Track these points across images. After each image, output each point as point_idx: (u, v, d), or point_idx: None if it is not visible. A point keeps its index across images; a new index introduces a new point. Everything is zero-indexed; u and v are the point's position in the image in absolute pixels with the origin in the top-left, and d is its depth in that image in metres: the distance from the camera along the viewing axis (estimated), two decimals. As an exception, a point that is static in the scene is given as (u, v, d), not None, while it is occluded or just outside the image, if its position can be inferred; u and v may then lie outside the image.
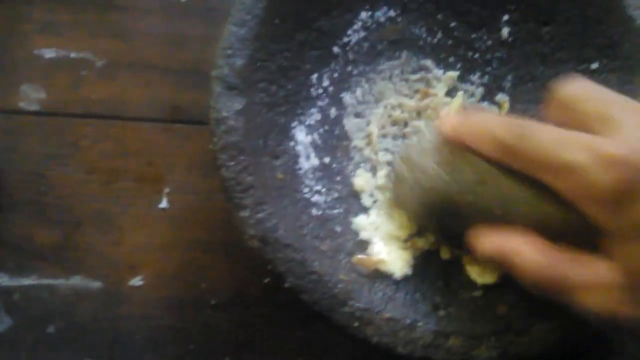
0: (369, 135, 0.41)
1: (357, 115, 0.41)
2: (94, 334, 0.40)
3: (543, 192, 0.30)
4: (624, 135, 0.27)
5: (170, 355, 0.40)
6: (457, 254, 0.38)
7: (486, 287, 0.36)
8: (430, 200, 0.33)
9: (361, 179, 0.40)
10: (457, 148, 0.32)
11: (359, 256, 0.37)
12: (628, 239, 0.27)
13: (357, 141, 0.41)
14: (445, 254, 0.38)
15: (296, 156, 0.39)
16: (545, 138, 0.28)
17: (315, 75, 0.40)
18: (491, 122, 0.31)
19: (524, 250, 0.30)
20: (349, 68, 0.42)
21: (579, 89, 0.30)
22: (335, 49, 0.41)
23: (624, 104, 0.28)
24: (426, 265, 0.38)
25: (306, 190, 0.38)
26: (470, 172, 0.32)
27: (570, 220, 0.29)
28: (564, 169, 0.27)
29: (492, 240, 0.31)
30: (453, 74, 0.42)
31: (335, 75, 0.41)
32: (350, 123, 0.41)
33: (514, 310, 0.35)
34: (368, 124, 0.41)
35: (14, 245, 0.41)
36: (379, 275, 0.36)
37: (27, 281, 0.41)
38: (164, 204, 0.43)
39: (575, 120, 0.29)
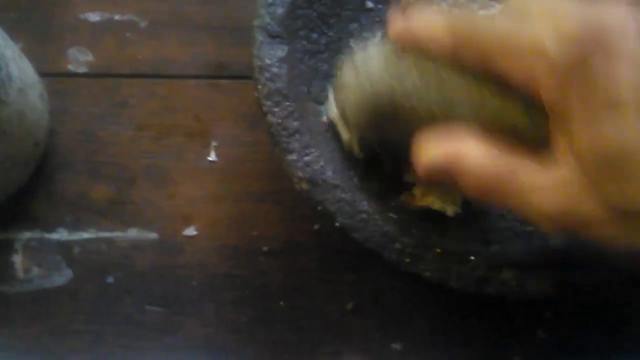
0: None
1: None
2: (152, 283, 0.42)
3: (491, 92, 0.28)
4: (581, 12, 0.25)
5: (226, 301, 0.41)
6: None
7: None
8: (372, 105, 0.31)
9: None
10: (404, 53, 0.31)
11: (406, 194, 0.37)
12: (576, 117, 0.25)
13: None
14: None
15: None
16: (503, 23, 0.26)
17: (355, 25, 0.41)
18: (445, 14, 0.29)
19: (469, 152, 0.28)
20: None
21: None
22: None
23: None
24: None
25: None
26: (415, 75, 0.30)
27: (519, 121, 0.28)
28: (521, 49, 0.25)
29: (434, 146, 0.29)
30: None
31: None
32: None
33: (569, 244, 0.35)
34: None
35: (71, 202, 0.43)
36: (430, 213, 0.36)
37: (85, 235, 0.42)
38: (212, 156, 0.44)
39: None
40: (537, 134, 0.27)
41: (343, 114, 0.35)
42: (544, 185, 0.26)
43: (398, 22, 0.31)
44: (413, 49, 0.30)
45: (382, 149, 0.36)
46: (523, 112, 0.28)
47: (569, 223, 0.26)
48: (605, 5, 0.25)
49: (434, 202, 0.36)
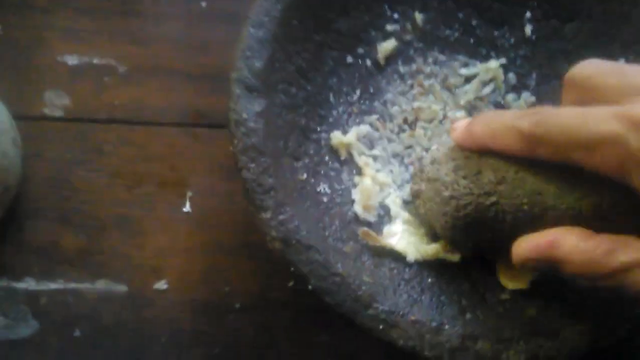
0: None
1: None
2: (120, 338, 0.41)
3: (572, 179, 0.29)
4: None
5: (195, 358, 0.40)
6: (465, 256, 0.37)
7: (514, 291, 0.36)
8: (453, 209, 0.32)
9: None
10: (471, 153, 0.32)
11: (366, 229, 0.37)
12: None
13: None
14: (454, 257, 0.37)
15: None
16: (568, 116, 0.27)
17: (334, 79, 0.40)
18: (506, 115, 0.30)
19: (563, 240, 0.29)
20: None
21: (592, 67, 0.29)
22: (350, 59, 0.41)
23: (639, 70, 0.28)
24: (451, 268, 0.37)
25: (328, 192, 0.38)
26: (488, 173, 0.31)
27: (603, 204, 0.29)
28: (597, 142, 0.26)
29: (528, 241, 0.30)
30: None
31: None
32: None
33: (542, 314, 0.34)
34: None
35: (40, 250, 0.42)
36: (389, 256, 0.36)
37: (53, 285, 0.41)
38: (187, 207, 0.43)
39: (593, 97, 0.28)
40: (624, 214, 0.29)
41: (425, 223, 0.36)
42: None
43: (460, 128, 0.32)
44: (479, 150, 0.31)
45: (471, 247, 0.36)
46: (607, 191, 0.29)
47: None
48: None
49: (390, 243, 0.36)
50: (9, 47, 0.46)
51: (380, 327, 0.33)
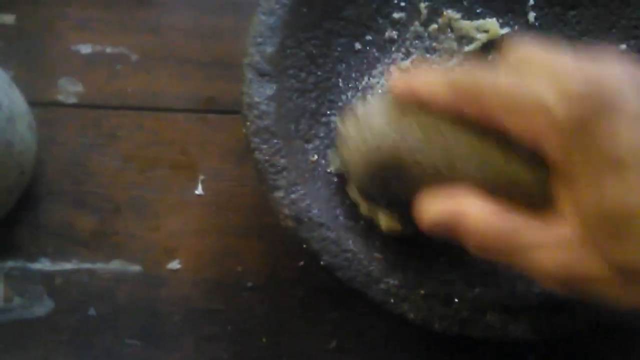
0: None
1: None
2: (134, 316, 0.41)
3: (494, 147, 0.29)
4: (581, 70, 0.25)
5: (207, 336, 0.41)
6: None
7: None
8: (376, 160, 0.32)
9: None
10: (406, 106, 0.31)
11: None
12: (580, 175, 0.25)
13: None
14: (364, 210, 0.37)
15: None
16: (502, 75, 0.27)
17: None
18: (446, 70, 0.30)
19: (470, 210, 0.28)
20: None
21: (527, 51, 0.28)
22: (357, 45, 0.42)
23: (570, 55, 0.27)
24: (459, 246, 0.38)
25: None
26: (417, 130, 0.30)
27: (521, 177, 0.28)
28: (524, 106, 0.26)
29: (436, 203, 0.29)
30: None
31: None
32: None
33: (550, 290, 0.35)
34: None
35: (55, 232, 0.43)
36: (416, 253, 0.37)
37: (68, 266, 0.42)
38: (199, 190, 0.44)
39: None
40: (541, 190, 0.28)
41: (346, 168, 0.35)
42: (546, 243, 0.26)
43: (400, 79, 0.31)
44: (415, 105, 0.31)
45: (385, 202, 0.36)
46: (526, 167, 0.28)
47: (572, 281, 0.26)
48: (603, 62, 0.26)
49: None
50: (24, 36, 0.47)
51: (392, 300, 0.34)
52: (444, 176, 0.30)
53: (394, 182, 0.32)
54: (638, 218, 0.24)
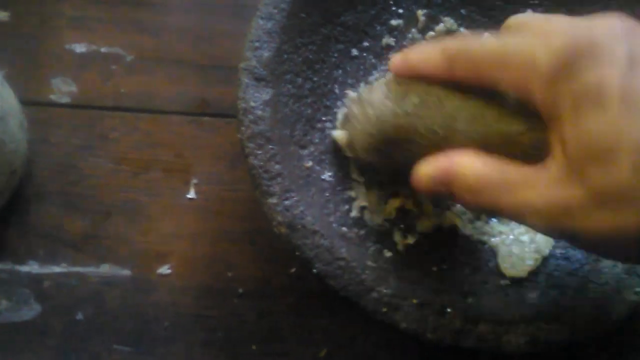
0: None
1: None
2: (123, 321, 0.41)
3: (485, 106, 0.31)
4: (573, 27, 0.27)
5: (197, 342, 0.41)
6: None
7: (514, 278, 0.37)
8: (377, 131, 0.33)
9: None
10: (402, 80, 0.33)
11: None
12: (566, 116, 0.26)
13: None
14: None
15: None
16: (495, 40, 0.29)
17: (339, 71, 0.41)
18: (438, 42, 0.32)
19: (464, 162, 0.30)
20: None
21: (526, 15, 0.31)
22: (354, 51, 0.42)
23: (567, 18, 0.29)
24: (453, 255, 0.38)
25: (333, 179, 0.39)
26: (413, 96, 0.32)
27: (514, 130, 0.30)
28: (509, 58, 0.28)
29: (433, 162, 0.31)
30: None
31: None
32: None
33: (542, 299, 0.35)
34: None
35: (45, 234, 0.42)
36: (409, 261, 0.36)
37: (57, 269, 0.42)
38: (191, 194, 0.43)
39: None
40: (535, 142, 0.29)
41: (351, 144, 0.36)
42: (536, 183, 0.27)
43: (398, 57, 0.33)
44: (412, 76, 0.33)
45: (384, 172, 0.37)
46: (519, 119, 0.30)
47: (556, 215, 0.27)
48: (598, 18, 0.28)
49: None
50: (17, 34, 0.46)
51: (384, 309, 0.33)
52: (442, 139, 0.31)
53: (396, 153, 0.34)
54: (619, 146, 0.25)
